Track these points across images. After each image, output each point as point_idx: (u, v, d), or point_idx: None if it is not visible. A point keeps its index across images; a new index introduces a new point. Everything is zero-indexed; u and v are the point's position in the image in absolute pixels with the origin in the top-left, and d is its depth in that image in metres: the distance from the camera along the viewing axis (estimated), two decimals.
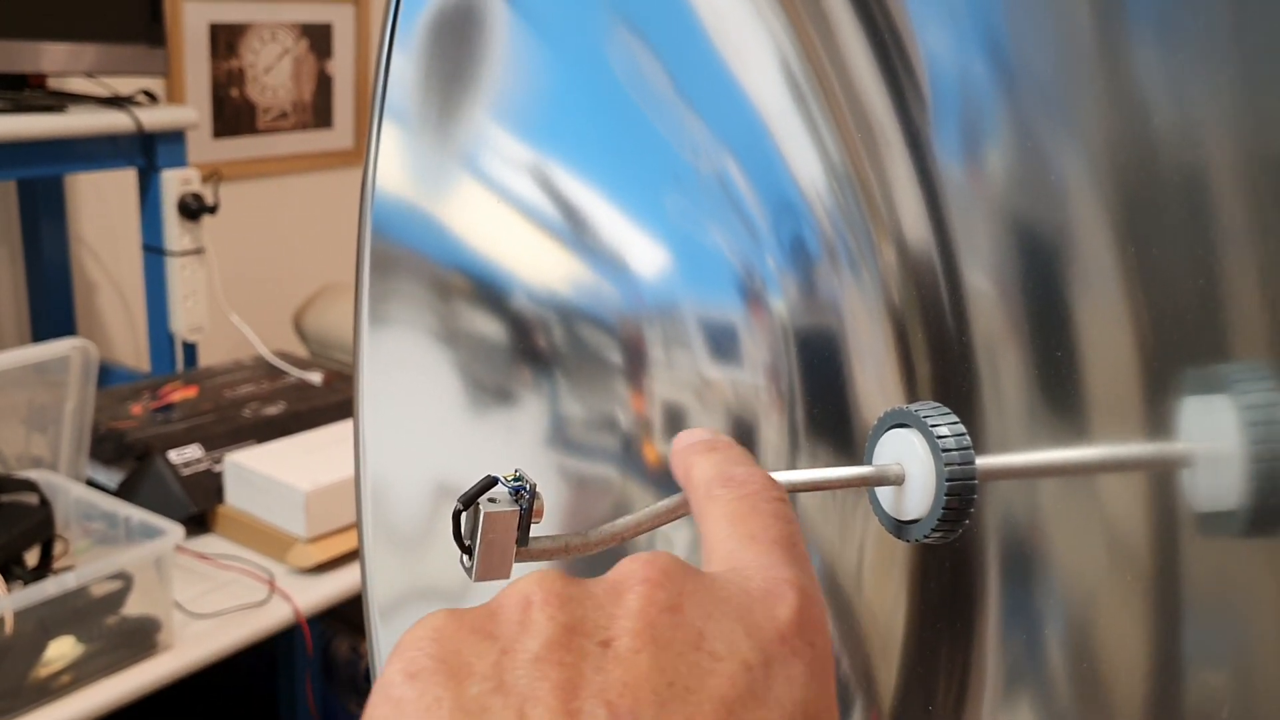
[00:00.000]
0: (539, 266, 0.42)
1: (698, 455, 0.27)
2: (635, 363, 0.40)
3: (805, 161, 0.34)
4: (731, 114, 0.36)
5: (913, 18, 0.29)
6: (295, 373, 1.65)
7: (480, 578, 0.30)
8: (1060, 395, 0.27)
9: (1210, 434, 0.24)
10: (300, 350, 1.93)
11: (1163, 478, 0.25)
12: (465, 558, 0.30)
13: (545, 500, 0.30)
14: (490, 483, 0.29)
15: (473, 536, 0.29)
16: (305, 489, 1.30)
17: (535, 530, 0.30)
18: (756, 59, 0.35)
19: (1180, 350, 0.24)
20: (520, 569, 0.28)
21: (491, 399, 0.44)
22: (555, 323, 0.41)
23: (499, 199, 0.43)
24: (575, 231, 0.41)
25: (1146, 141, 0.24)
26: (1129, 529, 0.26)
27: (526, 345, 0.42)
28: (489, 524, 0.29)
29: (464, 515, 0.30)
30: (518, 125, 0.42)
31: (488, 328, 0.44)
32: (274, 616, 1.25)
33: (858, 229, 0.33)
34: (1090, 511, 0.27)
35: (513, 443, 0.43)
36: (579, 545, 0.33)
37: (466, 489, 0.29)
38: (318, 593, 1.30)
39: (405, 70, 0.45)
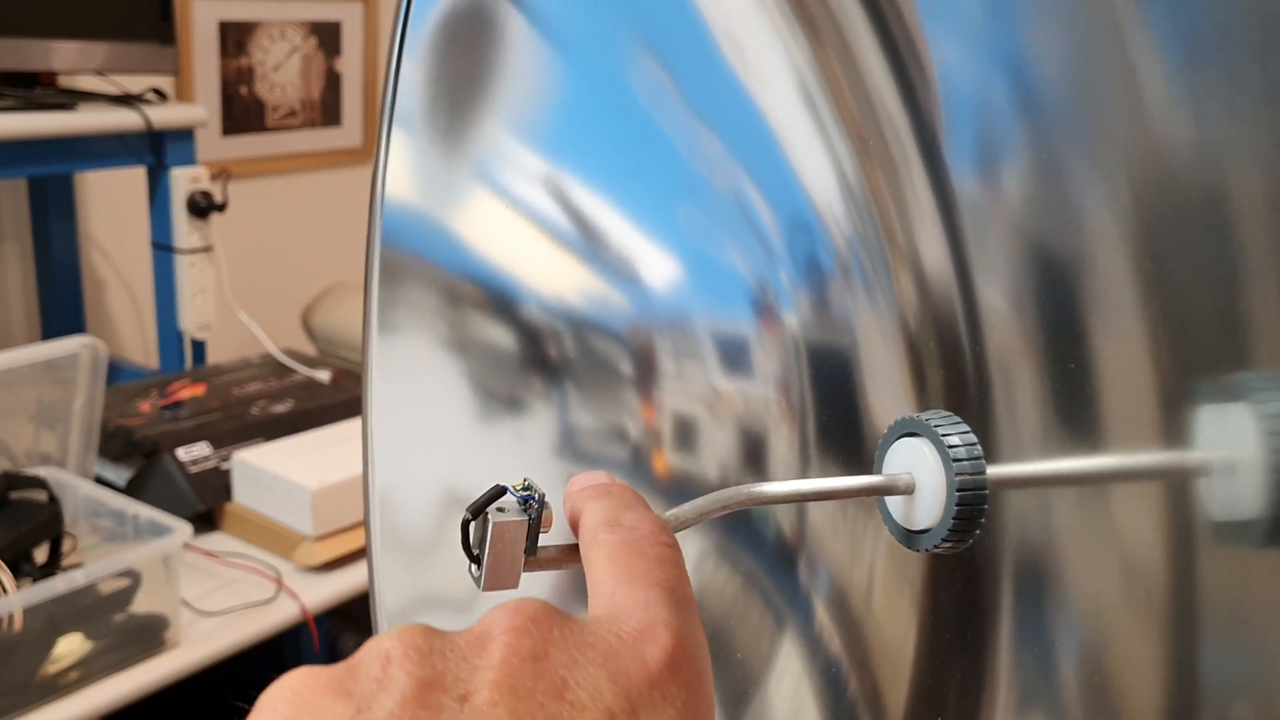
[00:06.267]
0: (551, 276, 0.42)
1: (588, 499, 0.27)
2: (645, 373, 0.40)
3: (821, 180, 0.34)
4: (747, 131, 0.36)
5: (929, 38, 0.29)
6: (303, 370, 1.65)
7: (489, 588, 0.30)
8: (1075, 409, 0.27)
9: (1228, 443, 0.24)
10: (309, 348, 1.93)
11: (1178, 492, 0.25)
12: (474, 567, 0.30)
13: (554, 510, 0.30)
14: (499, 492, 0.29)
15: (481, 546, 0.29)
16: (313, 487, 1.30)
17: (544, 540, 0.30)
18: (773, 77, 0.35)
19: (1196, 361, 0.24)
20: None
21: (501, 408, 0.44)
22: (566, 332, 0.42)
23: (511, 209, 0.43)
24: (587, 242, 0.41)
25: (1166, 160, 0.24)
26: (1143, 548, 0.26)
27: (537, 354, 0.42)
28: (497, 533, 0.29)
29: (473, 525, 0.30)
30: (531, 136, 0.42)
31: (498, 336, 0.44)
32: (281, 614, 1.26)
33: (872, 247, 0.33)
34: (1104, 529, 0.27)
35: (522, 452, 0.43)
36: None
37: (475, 498, 0.29)
38: (325, 591, 1.30)
39: (415, 77, 0.45)
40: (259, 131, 2.10)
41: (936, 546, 0.30)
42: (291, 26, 2.11)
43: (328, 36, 2.18)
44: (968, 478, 0.29)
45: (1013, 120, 0.27)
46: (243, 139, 2.07)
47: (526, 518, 0.30)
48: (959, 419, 0.29)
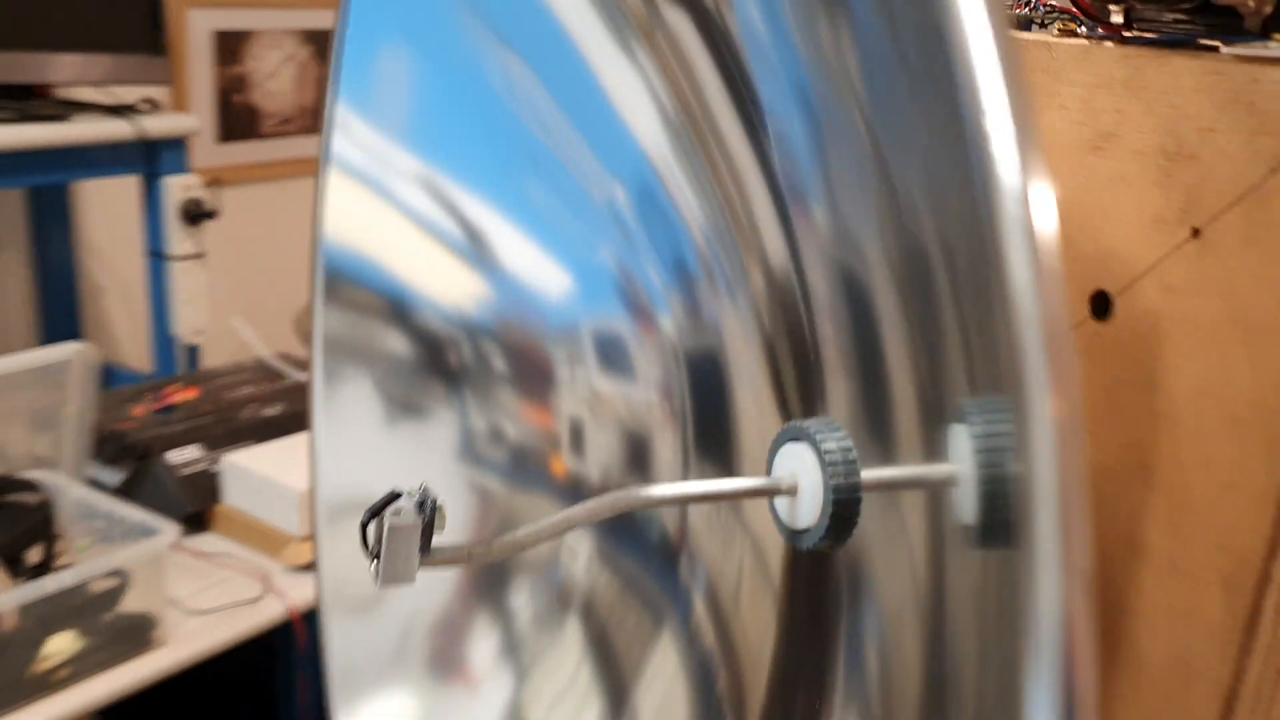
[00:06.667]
0: (446, 285, 0.44)
1: None
2: (539, 379, 0.42)
3: (683, 192, 0.36)
4: (620, 150, 0.38)
5: (755, 69, 0.31)
6: (294, 375, 1.68)
7: (386, 584, 0.32)
8: (879, 420, 0.29)
9: (960, 459, 0.26)
10: (303, 352, 1.96)
11: (936, 500, 0.27)
12: (373, 564, 0.32)
13: (454, 510, 0.33)
14: (394, 496, 0.32)
15: (379, 545, 0.32)
16: (299, 488, 1.33)
17: (441, 540, 0.33)
18: (632, 92, 0.37)
19: (941, 389, 0.26)
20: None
21: (408, 414, 0.46)
22: (464, 340, 0.44)
23: (410, 223, 0.45)
24: (479, 253, 0.43)
25: (875, 220, 0.27)
26: (918, 550, 0.28)
27: (438, 362, 0.45)
28: (393, 535, 0.32)
29: (371, 526, 0.32)
30: (419, 147, 0.44)
31: (403, 347, 0.46)
32: (268, 613, 1.28)
33: (731, 254, 0.35)
34: (898, 533, 0.29)
35: (427, 457, 0.45)
36: (482, 554, 0.35)
37: (373, 502, 0.32)
38: (311, 589, 1.32)
39: (344, 114, 0.47)
40: (253, 139, 2.13)
41: (816, 545, 0.32)
42: (285, 35, 2.14)
43: (322, 44, 2.21)
44: (841, 481, 0.30)
45: (809, 157, 0.29)
46: (237, 146, 2.10)
47: (420, 520, 0.32)
48: (839, 426, 0.31)
